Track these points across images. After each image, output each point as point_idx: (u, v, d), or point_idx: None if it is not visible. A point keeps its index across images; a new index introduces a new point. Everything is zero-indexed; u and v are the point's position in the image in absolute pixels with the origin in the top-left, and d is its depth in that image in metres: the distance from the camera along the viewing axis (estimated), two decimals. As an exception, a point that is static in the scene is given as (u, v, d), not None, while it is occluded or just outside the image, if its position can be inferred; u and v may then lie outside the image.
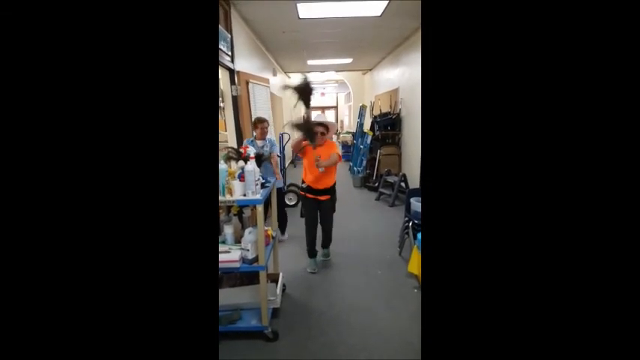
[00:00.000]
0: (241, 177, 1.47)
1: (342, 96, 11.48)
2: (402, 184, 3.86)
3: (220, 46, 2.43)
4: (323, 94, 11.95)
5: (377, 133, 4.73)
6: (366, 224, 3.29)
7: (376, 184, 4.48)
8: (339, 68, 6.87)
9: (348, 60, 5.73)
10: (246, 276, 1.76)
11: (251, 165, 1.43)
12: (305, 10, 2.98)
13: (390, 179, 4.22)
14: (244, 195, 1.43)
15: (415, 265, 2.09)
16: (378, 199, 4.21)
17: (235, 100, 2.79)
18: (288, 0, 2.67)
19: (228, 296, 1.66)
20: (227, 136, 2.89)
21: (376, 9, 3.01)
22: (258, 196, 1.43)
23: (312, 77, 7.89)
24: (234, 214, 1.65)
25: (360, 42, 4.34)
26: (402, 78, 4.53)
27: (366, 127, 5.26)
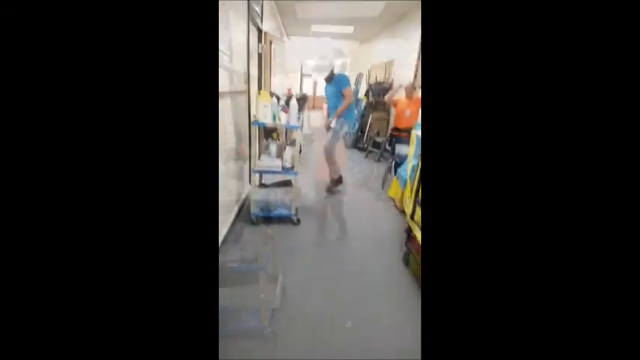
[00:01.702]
0: (284, 110, 2.14)
1: (337, 64, 11.77)
2: (387, 145, 4.60)
3: (256, 8, 2.92)
4: (318, 61, 12.17)
5: (371, 99, 5.37)
6: (357, 171, 4.06)
7: (366, 146, 5.20)
8: (341, 36, 7.25)
9: (350, 28, 6.16)
10: (279, 184, 2.49)
11: (294, 101, 2.10)
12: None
13: (379, 140, 4.95)
14: (288, 122, 2.12)
15: (393, 190, 2.89)
16: (366, 156, 4.96)
17: (260, 56, 3.33)
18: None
19: (268, 194, 2.39)
20: (252, 86, 3.45)
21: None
22: (297, 124, 2.11)
23: (309, 44, 8.19)
24: (275, 139, 2.34)
25: (363, 13, 4.82)
26: (397, 51, 5.10)
27: (362, 93, 5.88)
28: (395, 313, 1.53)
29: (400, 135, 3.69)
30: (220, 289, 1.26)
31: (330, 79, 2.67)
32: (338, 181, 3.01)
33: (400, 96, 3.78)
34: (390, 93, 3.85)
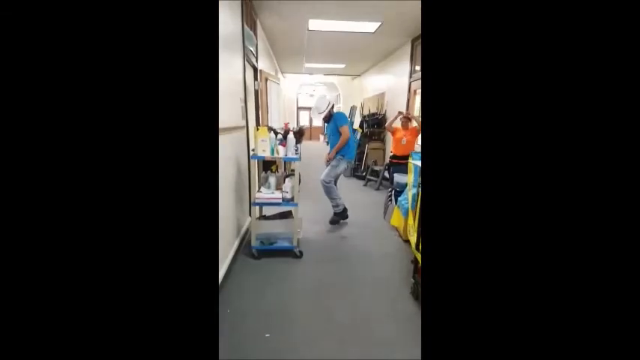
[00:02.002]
0: (282, 143, 2.15)
1: (332, 97, 12.22)
2: (386, 173, 4.64)
3: (250, 48, 3.08)
4: (312, 95, 12.67)
5: (365, 130, 5.50)
6: (357, 200, 4.02)
7: (364, 174, 5.24)
8: (333, 72, 7.62)
9: (342, 65, 6.49)
10: (280, 215, 2.44)
11: (291, 135, 2.12)
12: (314, 24, 3.68)
13: (376, 168, 4.99)
14: (286, 155, 2.12)
15: (395, 220, 2.84)
16: (365, 184, 4.96)
17: (256, 93, 3.44)
18: (303, 14, 3.37)
19: (269, 226, 2.33)
20: (249, 122, 3.52)
21: (370, 27, 3.77)
22: (296, 156, 2.11)
23: (304, 79, 8.64)
24: (273, 171, 2.32)
25: (353, 52, 5.11)
26: (387, 84, 5.33)
27: (356, 125, 6.04)
28: (406, 347, 1.42)
29: (399, 163, 3.73)
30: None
31: (329, 118, 2.82)
32: (342, 215, 2.99)
33: (398, 124, 3.89)
34: (390, 120, 4.00)
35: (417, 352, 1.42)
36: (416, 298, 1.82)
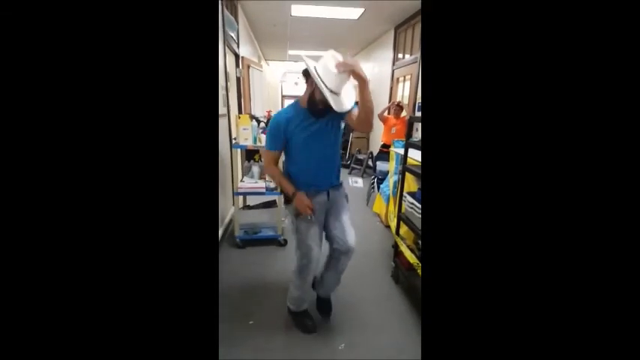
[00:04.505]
0: (265, 132, 2.14)
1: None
2: (370, 162, 4.70)
3: (231, 34, 2.99)
4: (297, 83, 12.50)
5: (350, 118, 5.52)
6: (341, 189, 4.09)
7: (348, 162, 5.29)
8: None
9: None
10: (264, 204, 2.45)
11: (273, 123, 2.11)
12: (297, 10, 3.61)
13: (360, 157, 5.05)
14: (269, 143, 2.11)
15: (377, 206, 2.91)
16: (350, 172, 5.02)
17: (238, 80, 3.37)
18: (286, 0, 3.29)
19: (253, 215, 2.35)
20: (232, 110, 3.45)
21: (354, 13, 3.74)
22: (279, 144, 2.11)
23: (288, 66, 8.46)
24: (256, 160, 2.32)
25: (337, 39, 5.05)
26: (371, 72, 5.33)
27: (340, 113, 6.04)
28: (388, 329, 1.50)
29: (388, 151, 3.75)
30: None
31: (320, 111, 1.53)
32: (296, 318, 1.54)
33: (388, 114, 3.88)
34: (383, 108, 3.93)
35: (393, 325, 1.50)
36: (396, 281, 1.90)
